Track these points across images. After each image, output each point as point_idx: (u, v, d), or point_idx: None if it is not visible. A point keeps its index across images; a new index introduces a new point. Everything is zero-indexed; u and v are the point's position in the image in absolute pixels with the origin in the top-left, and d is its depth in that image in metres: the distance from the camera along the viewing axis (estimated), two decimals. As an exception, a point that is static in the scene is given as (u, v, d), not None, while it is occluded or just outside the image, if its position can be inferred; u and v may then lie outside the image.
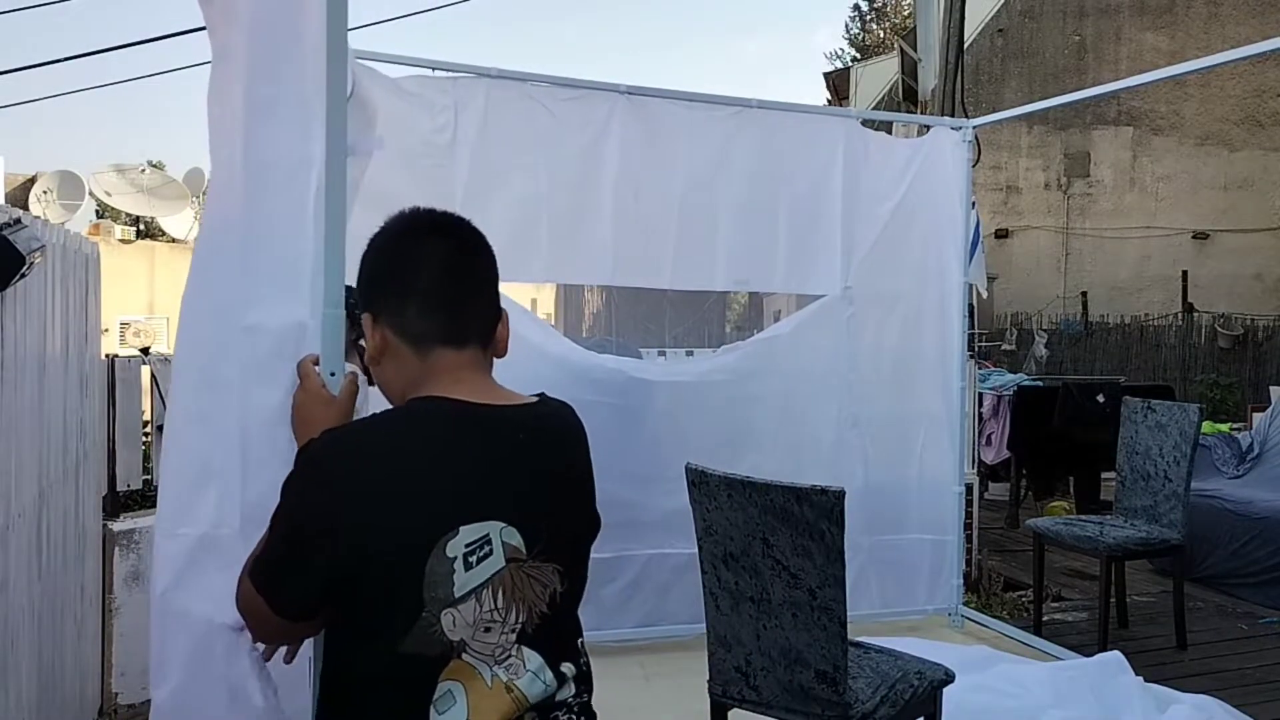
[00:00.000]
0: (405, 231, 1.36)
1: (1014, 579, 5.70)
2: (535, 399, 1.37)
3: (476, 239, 1.38)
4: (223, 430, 1.49)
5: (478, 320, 1.34)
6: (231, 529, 1.48)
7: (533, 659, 1.25)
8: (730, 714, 2.77)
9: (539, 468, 1.30)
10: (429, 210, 1.38)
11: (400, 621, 1.19)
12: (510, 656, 1.23)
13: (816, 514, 2.46)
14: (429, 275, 1.31)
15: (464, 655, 1.21)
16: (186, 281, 1.53)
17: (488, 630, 1.22)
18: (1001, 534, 6.99)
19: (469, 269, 1.36)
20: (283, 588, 1.24)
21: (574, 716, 1.30)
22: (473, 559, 1.20)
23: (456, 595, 1.20)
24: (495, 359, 1.39)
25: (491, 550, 1.22)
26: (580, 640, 1.35)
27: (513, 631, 1.24)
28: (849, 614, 2.54)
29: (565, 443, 1.38)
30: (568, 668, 1.30)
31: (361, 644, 1.22)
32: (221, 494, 1.48)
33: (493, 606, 1.22)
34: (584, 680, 1.34)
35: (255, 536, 1.34)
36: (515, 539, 1.24)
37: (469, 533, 1.21)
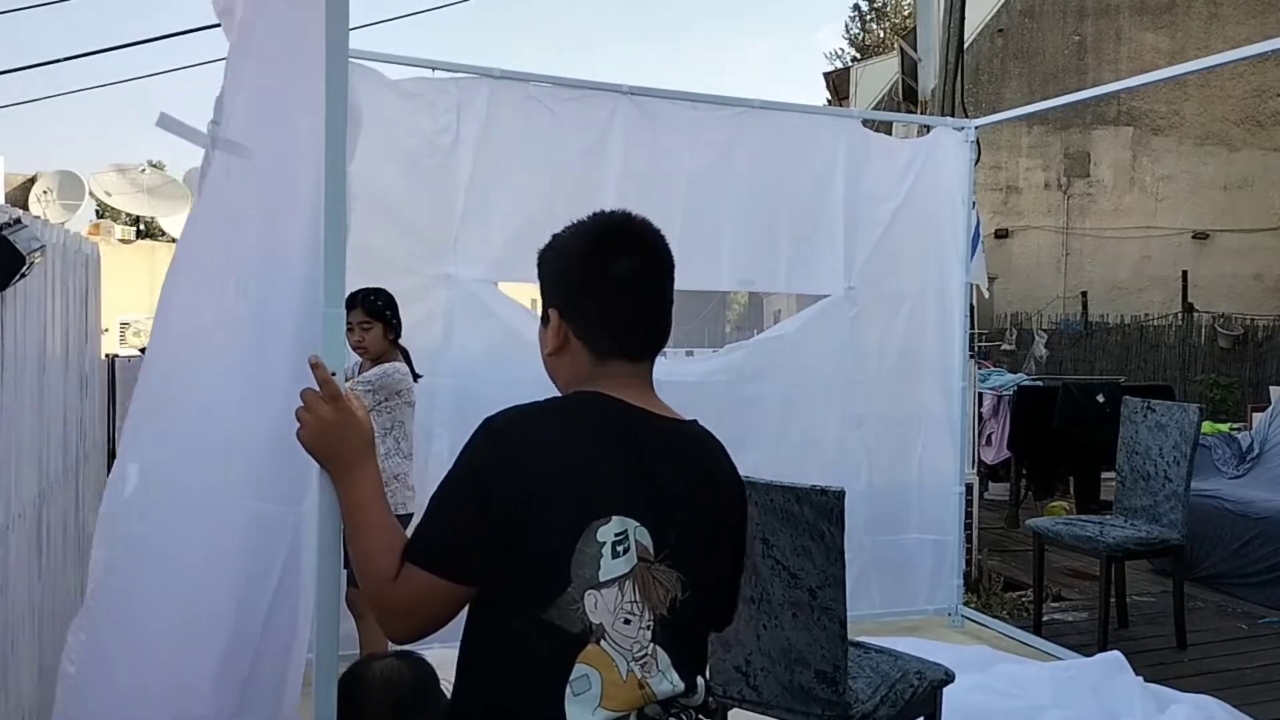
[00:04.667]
0: (604, 243, 1.41)
1: (1014, 579, 5.69)
2: (689, 420, 1.45)
3: (666, 254, 1.44)
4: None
5: (655, 338, 1.44)
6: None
7: (663, 658, 1.30)
8: (730, 714, 2.77)
9: (678, 478, 1.37)
10: (627, 221, 1.44)
11: (546, 593, 1.25)
12: (646, 655, 1.29)
13: (816, 514, 2.46)
14: (620, 296, 1.40)
15: (602, 642, 1.26)
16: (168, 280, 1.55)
17: (627, 622, 1.28)
18: (1001, 534, 6.98)
19: (658, 290, 1.43)
20: (469, 551, 1.27)
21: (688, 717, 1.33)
22: (619, 548, 1.28)
23: (601, 579, 1.26)
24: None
25: (628, 546, 1.28)
26: (706, 677, 1.38)
27: (648, 629, 1.29)
28: (849, 614, 2.54)
29: (707, 462, 1.44)
30: (699, 681, 1.35)
31: (508, 611, 1.28)
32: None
33: (633, 599, 1.28)
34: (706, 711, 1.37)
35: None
36: (646, 539, 1.30)
37: (618, 523, 1.28)
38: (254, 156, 1.51)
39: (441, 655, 1.37)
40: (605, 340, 1.40)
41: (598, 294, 1.40)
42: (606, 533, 1.27)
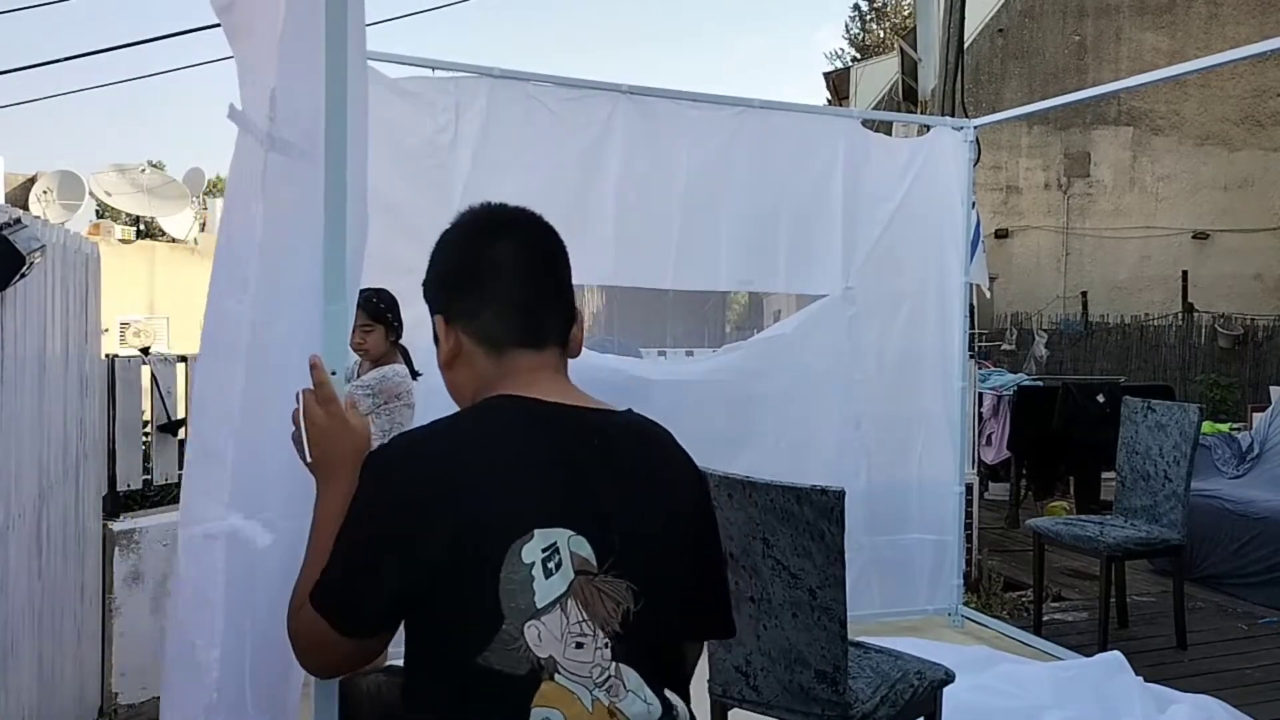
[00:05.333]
0: (480, 232, 1.32)
1: (1014, 579, 5.69)
2: (622, 409, 1.30)
3: (552, 237, 1.33)
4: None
5: (555, 321, 1.30)
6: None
7: (630, 676, 1.16)
8: (730, 714, 2.76)
9: (614, 475, 1.22)
10: (501, 207, 1.34)
11: (477, 632, 1.11)
12: (610, 677, 1.14)
13: (816, 514, 2.46)
14: (507, 278, 1.27)
15: (556, 677, 1.11)
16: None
17: (580, 646, 1.13)
18: (1001, 534, 6.98)
19: (546, 270, 1.31)
20: (353, 604, 1.15)
21: None
22: (550, 565, 1.13)
23: (539, 605, 1.11)
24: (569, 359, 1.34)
25: (560, 561, 1.13)
26: (686, 687, 1.25)
27: (605, 648, 1.14)
28: (849, 614, 2.54)
29: (648, 453, 1.29)
30: (677, 699, 1.21)
31: (440, 660, 1.15)
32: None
33: (580, 618, 1.13)
34: None
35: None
36: (584, 550, 1.15)
37: (541, 538, 1.13)
38: (295, 154, 1.46)
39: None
40: (499, 328, 1.26)
41: (480, 280, 1.27)
42: (532, 551, 1.11)
